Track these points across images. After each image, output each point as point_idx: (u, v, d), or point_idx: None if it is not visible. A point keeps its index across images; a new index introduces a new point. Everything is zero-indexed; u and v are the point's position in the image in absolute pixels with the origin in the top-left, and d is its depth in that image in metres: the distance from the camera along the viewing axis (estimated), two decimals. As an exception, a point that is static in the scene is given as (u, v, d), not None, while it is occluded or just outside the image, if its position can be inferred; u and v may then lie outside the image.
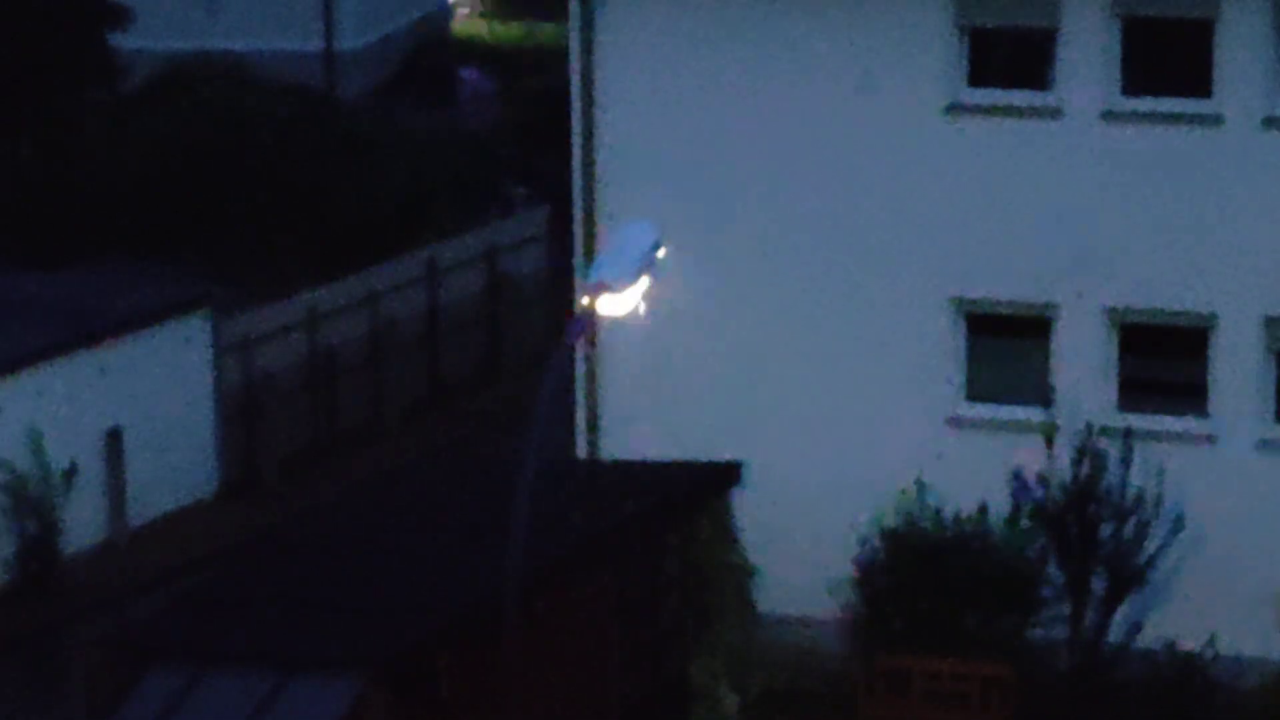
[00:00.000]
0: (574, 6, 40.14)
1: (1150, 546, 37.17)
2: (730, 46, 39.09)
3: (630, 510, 37.57)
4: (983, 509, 37.22)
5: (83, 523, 42.94)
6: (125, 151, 53.00)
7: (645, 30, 39.52)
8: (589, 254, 37.85)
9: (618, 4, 39.69)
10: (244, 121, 54.29)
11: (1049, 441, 37.39)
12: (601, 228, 38.75)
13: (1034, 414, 38.07)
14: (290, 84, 60.71)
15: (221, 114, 54.43)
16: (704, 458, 38.51)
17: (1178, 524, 37.12)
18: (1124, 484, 37.17)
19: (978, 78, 38.76)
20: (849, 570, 37.47)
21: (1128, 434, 37.38)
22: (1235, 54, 37.63)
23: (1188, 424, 38.21)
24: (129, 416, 44.28)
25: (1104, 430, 37.56)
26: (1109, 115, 38.08)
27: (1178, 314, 38.20)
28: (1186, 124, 37.94)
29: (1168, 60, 38.18)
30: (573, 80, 40.30)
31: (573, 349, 36.42)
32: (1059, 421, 37.71)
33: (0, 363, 42.50)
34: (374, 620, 33.48)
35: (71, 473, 42.79)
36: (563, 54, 42.22)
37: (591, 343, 38.54)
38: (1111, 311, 38.33)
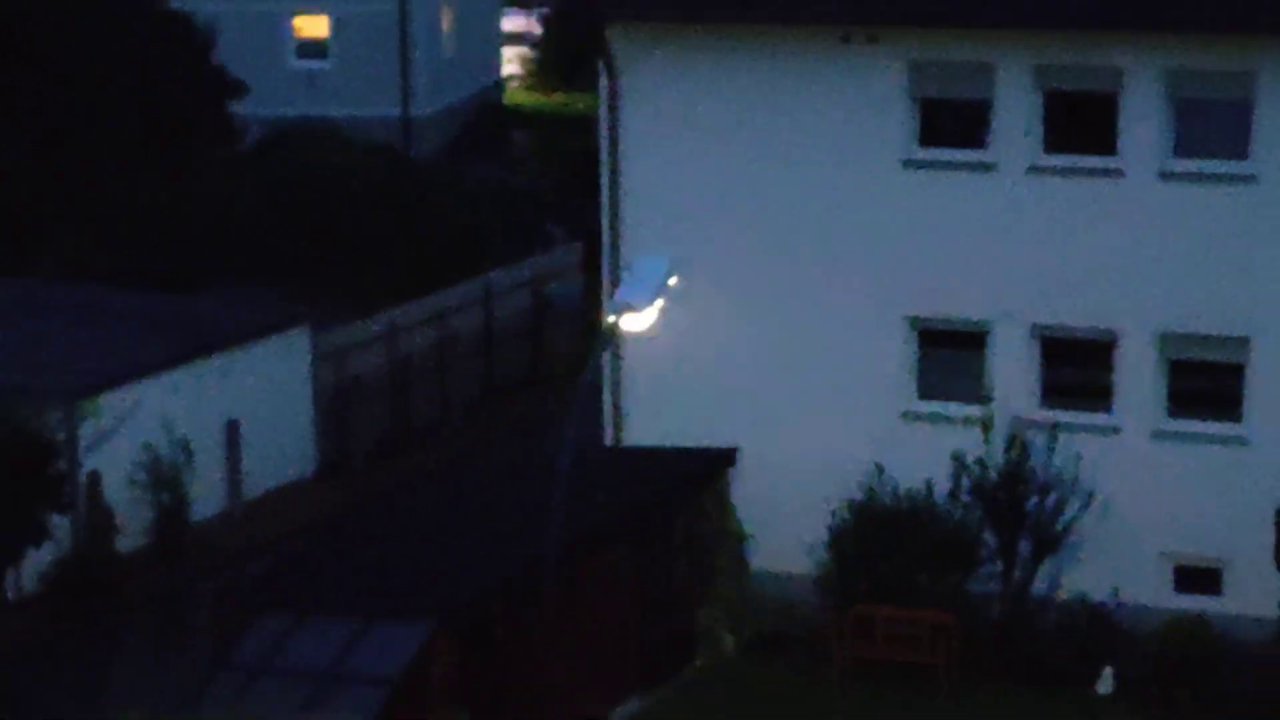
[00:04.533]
0: (603, 81, 40.43)
1: (1066, 517, 37.46)
2: (728, 113, 39.31)
3: (647, 490, 37.65)
4: (930, 486, 37.17)
5: (206, 497, 42.98)
6: (242, 198, 52.93)
7: (660, 101, 39.74)
8: (615, 281, 37.81)
9: (637, 81, 39.88)
10: (336, 174, 54.21)
11: (985, 432, 37.36)
12: (625, 260, 38.60)
13: (973, 410, 38.07)
14: (374, 144, 60.63)
15: (318, 168, 54.36)
16: (706, 445, 38.56)
17: (1088, 498, 37.30)
18: (1046, 466, 37.16)
19: (927, 139, 38.95)
20: (824, 536, 37.58)
21: (1047, 430, 37.44)
22: (1134, 120, 37.85)
23: (1096, 418, 38.39)
24: (244, 410, 44.44)
25: (1028, 423, 37.61)
26: (1033, 169, 38.28)
27: (1088, 330, 38.22)
28: (1096, 176, 38.09)
29: (1080, 124, 38.18)
30: (601, 141, 40.57)
31: (602, 358, 36.51)
32: (993, 416, 37.65)
33: (141, 366, 42.67)
34: (440, 578, 33.80)
35: (192, 457, 42.80)
36: (594, 119, 42.27)
37: (617, 353, 38.48)
38: (1035, 327, 38.55)
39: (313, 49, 74.53)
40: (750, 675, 36.85)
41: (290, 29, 74.24)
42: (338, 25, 74.56)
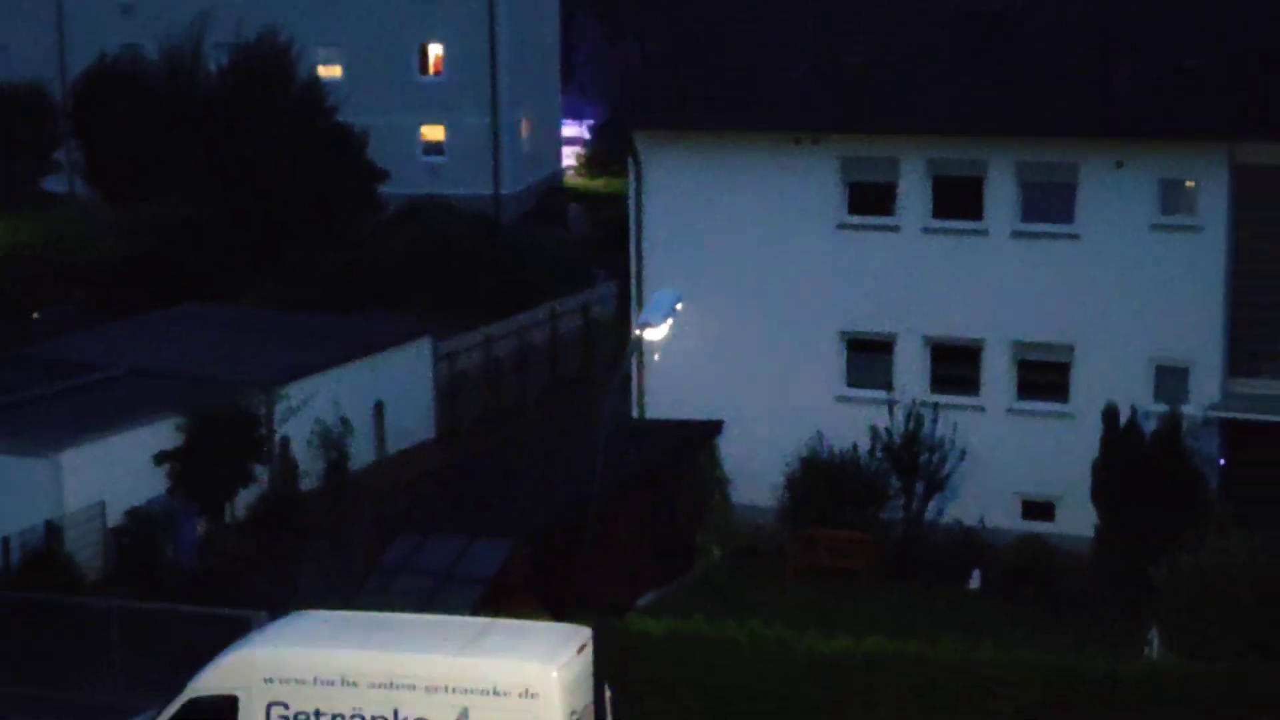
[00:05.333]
0: (631, 170, 40.45)
1: (947, 468, 37.38)
2: (717, 191, 39.48)
3: (661, 449, 37.69)
4: (855, 447, 37.17)
5: (360, 454, 43.05)
6: (385, 251, 53.04)
7: (670, 183, 39.99)
8: (639, 306, 37.80)
9: (654, 170, 40.09)
10: (449, 234, 54.27)
11: (891, 410, 37.36)
12: (645, 292, 38.70)
13: (883, 395, 38.02)
14: (475, 214, 60.64)
15: (437, 230, 54.48)
16: (702, 419, 38.60)
17: (962, 455, 37.34)
18: (933, 433, 37.15)
19: (853, 209, 38.92)
20: (782, 481, 37.57)
21: (933, 408, 37.44)
22: (994, 196, 37.91)
23: (968, 399, 38.48)
24: (386, 394, 44.59)
25: (922, 404, 37.54)
26: (925, 230, 38.51)
27: (962, 339, 38.20)
28: (968, 235, 38.08)
29: (957, 199, 38.15)
30: (630, 210, 40.57)
31: (631, 359, 36.55)
32: (897, 398, 37.63)
33: (316, 365, 42.77)
34: (519, 510, 33.80)
35: (349, 426, 42.85)
36: (625, 196, 42.48)
37: (641, 356, 38.52)
38: (925, 338, 38.55)
39: (433, 148, 74.53)
40: (731, 577, 36.87)
41: (419, 135, 74.27)
42: (450, 133, 74.54)
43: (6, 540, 34.68)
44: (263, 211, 54.09)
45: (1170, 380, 36.83)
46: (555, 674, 24.36)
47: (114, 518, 36.67)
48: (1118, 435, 34.97)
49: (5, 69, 73.58)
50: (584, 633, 24.97)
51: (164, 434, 38.05)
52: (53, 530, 35.25)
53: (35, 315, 51.25)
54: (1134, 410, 35.38)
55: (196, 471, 38.14)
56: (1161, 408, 35.86)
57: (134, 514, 36.87)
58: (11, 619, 32.49)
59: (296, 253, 53.05)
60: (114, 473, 36.85)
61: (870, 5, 40.51)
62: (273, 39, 59.14)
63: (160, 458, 37.85)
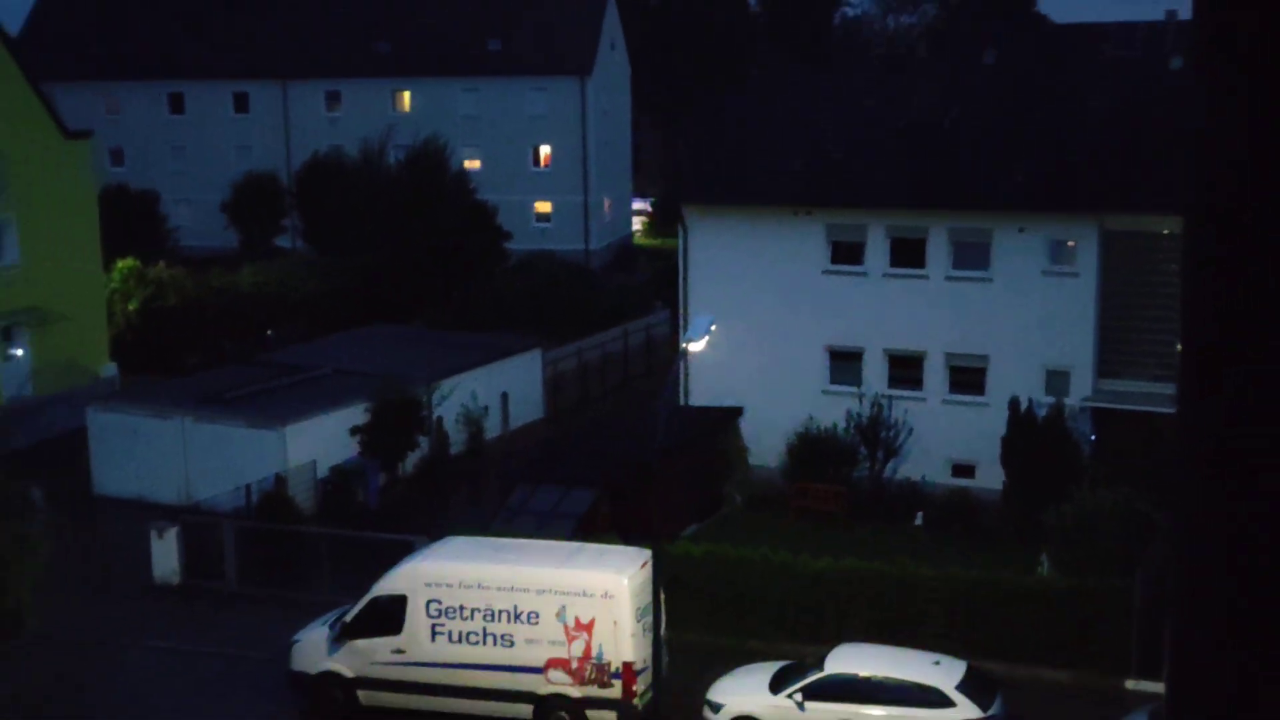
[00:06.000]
0: (681, 232, 40.34)
1: (900, 440, 37.15)
2: (741, 246, 39.36)
3: (700, 425, 37.61)
4: (835, 426, 37.04)
5: (492, 429, 43.07)
6: (510, 290, 53.17)
7: (709, 241, 39.69)
8: (685, 327, 37.76)
9: (697, 231, 40.01)
10: (553, 278, 54.36)
11: (860, 399, 37.20)
12: (689, 317, 38.67)
13: (855, 389, 37.86)
14: (572, 264, 60.67)
15: (545, 277, 54.57)
16: (728, 405, 38.52)
17: (910, 431, 37.14)
18: (890, 416, 36.96)
19: (835, 259, 38.74)
20: (784, 449, 37.41)
21: (890, 398, 37.22)
22: (933, 251, 37.65)
23: (915, 393, 38.17)
24: (510, 387, 44.51)
25: (882, 396, 37.33)
26: (885, 275, 38.27)
27: (910, 351, 38.02)
28: (914, 279, 37.90)
29: (907, 253, 37.97)
30: (680, 260, 40.50)
31: (679, 364, 36.46)
32: (865, 392, 37.47)
33: (463, 366, 42.59)
34: (601, 465, 33.66)
35: (486, 409, 42.84)
36: (675, 250, 42.40)
37: (686, 362, 38.47)
38: (885, 350, 38.26)
39: (543, 218, 74.75)
40: (749, 517, 36.79)
41: (533, 208, 74.53)
42: (555, 206, 74.81)
43: (249, 487, 34.97)
44: (426, 260, 54.39)
45: (1056, 380, 36.67)
46: (625, 581, 24.46)
47: (322, 471, 36.89)
48: (1019, 418, 34.95)
49: (250, 162, 74.32)
50: (646, 553, 25.08)
51: (357, 414, 38.19)
52: (280, 480, 35.51)
53: (269, 332, 51.58)
54: (1030, 401, 35.24)
55: (379, 440, 38.25)
56: (1050, 400, 35.75)
57: (336, 469, 37.09)
58: (253, 541, 32.82)
59: (450, 289, 53.35)
60: (322, 440, 37.06)
61: (845, 119, 40.45)
62: (435, 142, 59.45)
63: (354, 430, 38.01)
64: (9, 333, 43.39)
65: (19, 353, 43.74)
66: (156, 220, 64.56)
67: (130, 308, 50.75)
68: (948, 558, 30.46)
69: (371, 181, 59.06)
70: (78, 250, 45.34)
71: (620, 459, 34.08)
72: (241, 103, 77.50)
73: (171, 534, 32.29)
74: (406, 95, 75.39)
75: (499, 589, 24.78)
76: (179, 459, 37.16)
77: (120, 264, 51.30)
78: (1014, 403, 35.12)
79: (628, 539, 27.67)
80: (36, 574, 25.10)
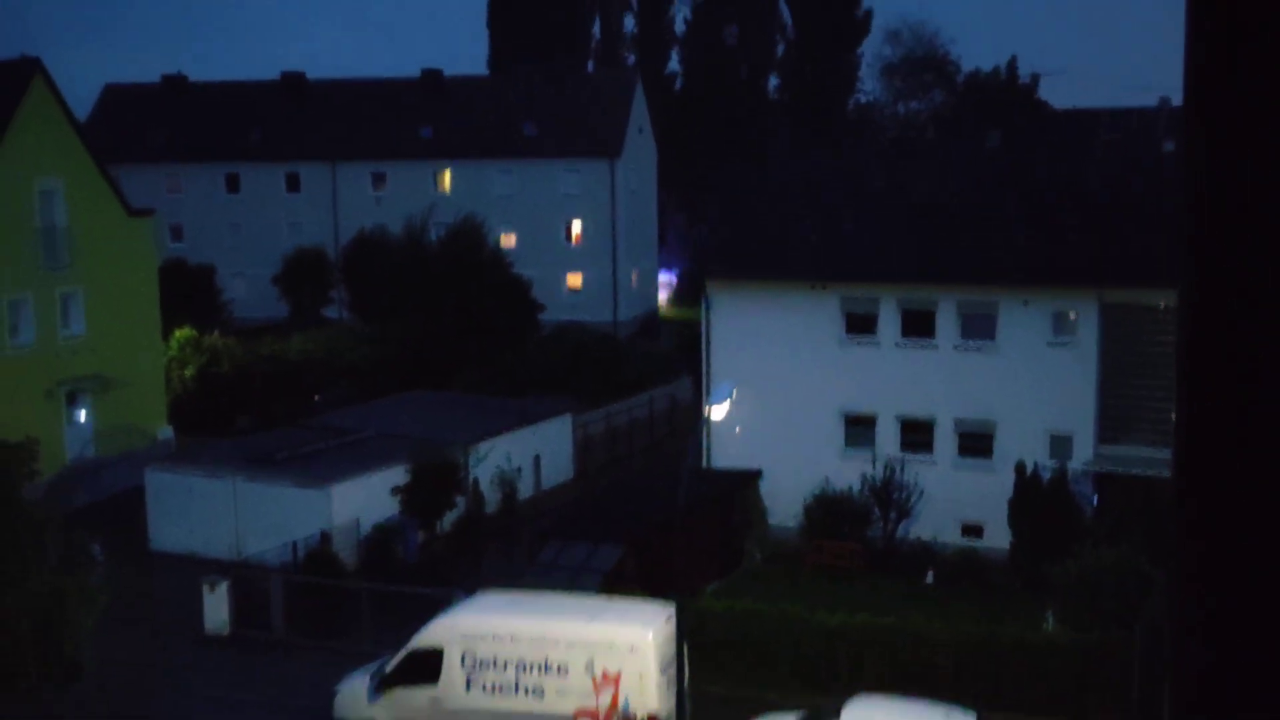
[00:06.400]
0: (704, 304, 40.32)
1: (911, 501, 36.90)
2: (762, 319, 39.33)
3: (722, 485, 37.46)
4: (850, 488, 36.85)
5: (525, 488, 42.93)
6: (543, 358, 53.23)
7: (730, 313, 39.68)
8: (707, 394, 37.75)
9: (719, 304, 40.06)
10: (584, 347, 54.35)
11: (874, 463, 37.01)
12: (711, 385, 38.63)
13: (869, 453, 37.70)
14: (602, 334, 60.67)
15: (576, 346, 54.58)
16: (748, 467, 38.39)
17: (921, 493, 36.90)
18: (902, 478, 36.78)
19: (850, 329, 38.69)
20: (802, 509, 37.25)
21: (902, 462, 37.04)
22: (942, 323, 37.52)
23: (926, 457, 37.95)
24: (542, 450, 44.43)
25: (895, 459, 37.18)
26: (896, 345, 38.13)
27: (921, 417, 37.89)
28: (924, 348, 37.86)
29: (917, 324, 37.94)
30: (702, 331, 40.50)
31: (702, 428, 36.37)
32: (878, 455, 37.32)
33: (498, 430, 42.51)
34: (627, 523, 33.47)
35: (519, 470, 42.75)
36: (699, 321, 42.32)
37: (708, 426, 38.39)
38: (897, 416, 38.12)
39: (574, 290, 75.00)
40: (768, 574, 36.59)
41: (565, 281, 74.79)
42: (585, 280, 75.00)
43: (295, 543, 34.96)
44: (465, 329, 54.58)
45: (1060, 445, 36.45)
46: (650, 635, 24.29)
47: (364, 529, 36.85)
48: (1025, 481, 34.75)
49: (300, 238, 74.93)
50: (670, 608, 24.89)
51: (398, 474, 38.13)
52: (325, 537, 35.48)
53: (316, 397, 51.78)
54: (1035, 465, 35.05)
55: (418, 499, 38.16)
56: (1054, 464, 35.54)
57: (378, 527, 37.02)
58: (299, 594, 32.74)
59: (486, 357, 53.46)
60: (365, 500, 37.03)
61: (857, 198, 40.60)
62: (472, 221, 59.80)
63: (395, 490, 37.97)
64: (74, 397, 43.66)
65: (83, 416, 44.00)
66: (212, 292, 65.03)
67: (187, 374, 51.04)
68: (958, 613, 30.19)
69: (413, 256, 59.38)
70: (139, 321, 45.69)
71: (646, 518, 33.94)
72: (293, 183, 78.24)
73: (222, 587, 32.27)
74: (447, 176, 75.99)
75: (530, 642, 24.64)
76: (230, 516, 37.19)
77: (178, 333, 51.64)
78: (1020, 466, 34.94)
79: (653, 594, 27.52)
80: (95, 624, 25.16)
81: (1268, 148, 1.96)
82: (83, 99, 79.73)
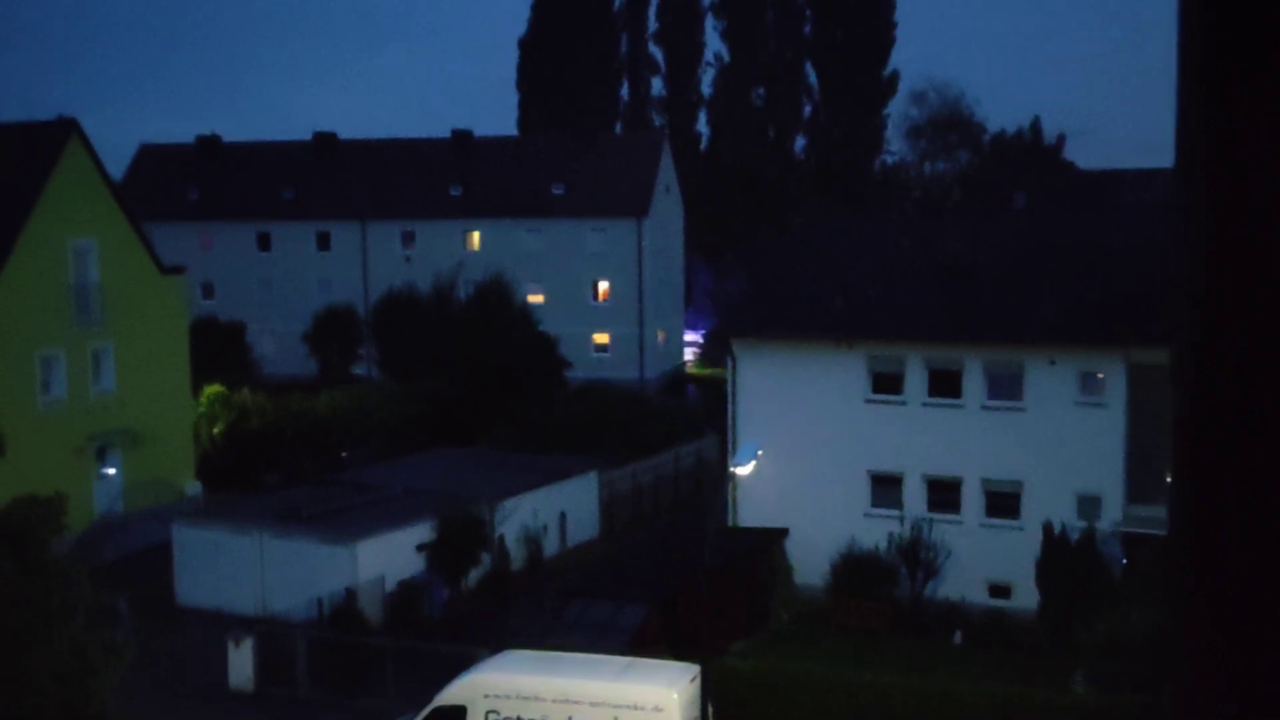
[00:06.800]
0: (730, 363, 40.32)
1: (939, 561, 36.63)
2: (787, 378, 39.31)
3: (748, 544, 37.30)
4: (877, 547, 36.64)
5: (550, 546, 42.83)
6: (569, 415, 53.29)
7: (755, 372, 39.65)
8: (733, 452, 37.67)
9: (745, 363, 40.01)
10: (610, 405, 54.41)
11: (901, 522, 36.81)
12: (737, 443, 38.53)
13: (895, 512, 37.49)
14: (628, 392, 60.79)
15: (600, 403, 54.66)
16: (774, 526, 38.23)
17: (948, 553, 36.59)
18: (929, 538, 36.55)
19: (876, 389, 38.57)
20: (828, 568, 37.01)
21: (929, 521, 36.81)
22: (969, 382, 37.39)
23: (953, 516, 37.60)
24: (568, 507, 44.31)
25: (922, 519, 36.96)
26: (924, 404, 37.93)
27: (948, 476, 37.66)
28: (951, 408, 37.59)
29: (944, 384, 37.84)
30: (729, 389, 40.45)
31: (728, 486, 36.29)
32: (905, 515, 37.11)
33: (524, 487, 42.42)
34: (652, 582, 33.33)
35: (546, 528, 42.65)
36: (725, 379, 42.30)
37: (734, 484, 38.26)
38: (924, 476, 37.92)
39: (601, 348, 75.17)
40: (794, 632, 36.35)
41: (592, 339, 75.05)
42: (612, 338, 75.23)
43: (320, 600, 34.94)
44: (492, 387, 54.77)
45: (1088, 506, 36.19)
46: (676, 695, 24.11)
47: (390, 585, 36.80)
48: (1053, 542, 34.48)
49: (330, 295, 75.51)
50: (695, 668, 24.74)
51: (423, 531, 38.12)
52: (350, 594, 35.46)
53: (344, 454, 51.93)
54: (1063, 526, 34.79)
55: (444, 556, 38.16)
56: (1082, 524, 35.26)
57: (403, 584, 36.98)
58: (324, 651, 32.69)
59: (513, 414, 53.59)
60: (391, 556, 36.98)
61: (883, 258, 40.69)
62: (500, 279, 60.19)
63: (420, 547, 37.95)
64: (103, 453, 43.94)
65: (112, 471, 44.24)
66: (242, 349, 65.50)
67: (215, 430, 51.30)
68: (986, 674, 29.89)
69: (442, 314, 59.76)
70: (169, 377, 46.03)
71: (671, 577, 33.81)
72: (324, 241, 78.93)
73: (248, 644, 32.26)
74: (476, 235, 76.54)
75: (555, 701, 24.51)
76: (257, 572, 37.22)
77: (207, 389, 51.97)
78: (1048, 527, 34.70)
79: (678, 654, 27.36)
80: (119, 679, 25.18)
81: (1261, 204, 2.00)
82: (119, 158, 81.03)
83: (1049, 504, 36.15)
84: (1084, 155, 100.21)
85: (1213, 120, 1.96)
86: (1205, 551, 2.05)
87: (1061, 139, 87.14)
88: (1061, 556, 34.07)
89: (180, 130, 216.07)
